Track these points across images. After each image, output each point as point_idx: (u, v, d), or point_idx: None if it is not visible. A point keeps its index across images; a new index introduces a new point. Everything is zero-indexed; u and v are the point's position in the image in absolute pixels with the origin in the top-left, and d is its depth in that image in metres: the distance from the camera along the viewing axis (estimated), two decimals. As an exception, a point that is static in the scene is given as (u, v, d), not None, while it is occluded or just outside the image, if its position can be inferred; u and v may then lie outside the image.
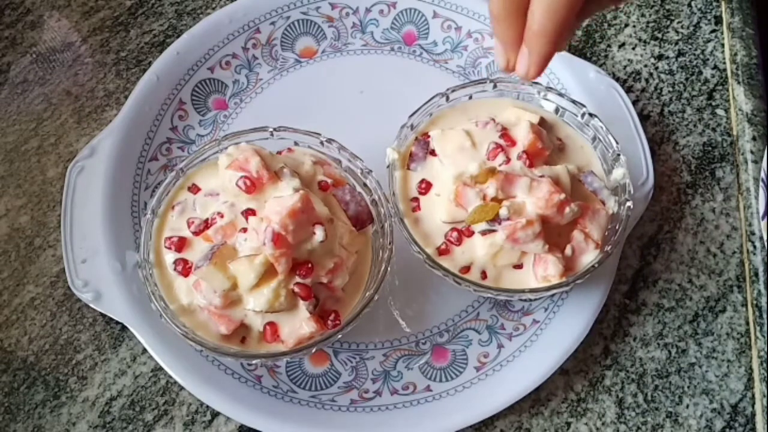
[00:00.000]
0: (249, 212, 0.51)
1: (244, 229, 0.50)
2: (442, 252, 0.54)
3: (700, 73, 0.69)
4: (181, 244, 0.52)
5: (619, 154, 0.55)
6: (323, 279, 0.50)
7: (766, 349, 0.55)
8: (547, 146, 0.55)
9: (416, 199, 0.56)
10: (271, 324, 0.50)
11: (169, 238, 0.52)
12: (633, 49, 0.71)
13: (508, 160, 0.54)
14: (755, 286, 0.58)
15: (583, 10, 0.39)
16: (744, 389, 0.55)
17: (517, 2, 0.39)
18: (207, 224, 0.52)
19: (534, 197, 0.51)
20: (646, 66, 0.70)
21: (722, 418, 0.54)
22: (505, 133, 0.55)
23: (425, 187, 0.56)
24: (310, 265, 0.49)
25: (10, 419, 0.54)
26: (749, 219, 0.61)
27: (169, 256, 0.52)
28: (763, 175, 0.59)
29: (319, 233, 0.49)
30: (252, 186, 0.51)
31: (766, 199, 0.58)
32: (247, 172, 0.51)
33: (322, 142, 0.56)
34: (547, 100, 0.59)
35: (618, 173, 0.55)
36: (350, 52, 0.69)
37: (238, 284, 0.49)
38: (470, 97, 0.59)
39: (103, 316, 0.57)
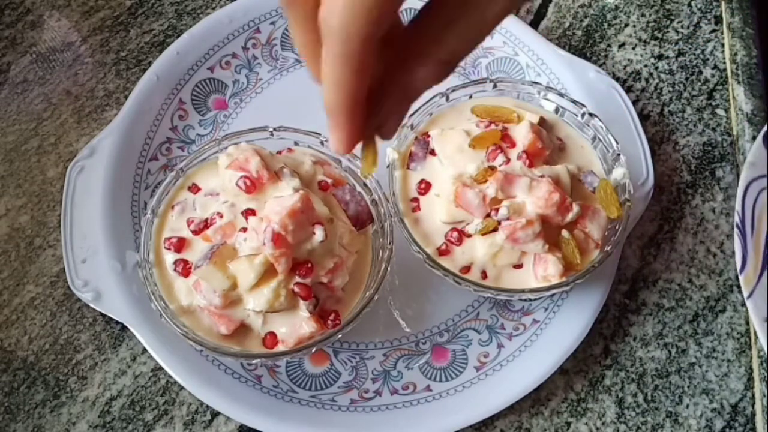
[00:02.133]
0: (249, 212, 0.51)
1: (244, 229, 0.50)
2: (442, 252, 0.54)
3: (700, 73, 0.69)
4: (180, 244, 0.52)
5: (619, 154, 0.55)
6: (323, 279, 0.50)
7: (766, 349, 0.55)
8: (547, 146, 0.55)
9: (416, 199, 0.56)
10: (271, 334, 0.50)
11: (169, 238, 0.52)
12: (633, 49, 0.71)
13: (508, 160, 0.54)
14: (755, 286, 0.58)
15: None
16: (744, 389, 0.55)
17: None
18: (206, 224, 0.52)
19: (534, 197, 0.51)
20: (646, 66, 0.70)
21: (722, 418, 0.54)
22: (505, 133, 0.55)
23: (425, 187, 0.56)
24: (310, 265, 0.49)
25: (10, 419, 0.54)
26: (749, 219, 0.61)
27: (169, 257, 0.52)
28: (737, 219, 0.57)
29: (319, 233, 0.49)
30: (252, 186, 0.51)
31: (742, 251, 0.55)
32: (247, 172, 0.51)
33: (322, 142, 0.56)
34: (547, 99, 0.59)
35: (618, 173, 0.55)
36: (350, 52, 0.69)
37: (237, 284, 0.49)
38: (470, 97, 0.59)
39: (103, 316, 0.57)
